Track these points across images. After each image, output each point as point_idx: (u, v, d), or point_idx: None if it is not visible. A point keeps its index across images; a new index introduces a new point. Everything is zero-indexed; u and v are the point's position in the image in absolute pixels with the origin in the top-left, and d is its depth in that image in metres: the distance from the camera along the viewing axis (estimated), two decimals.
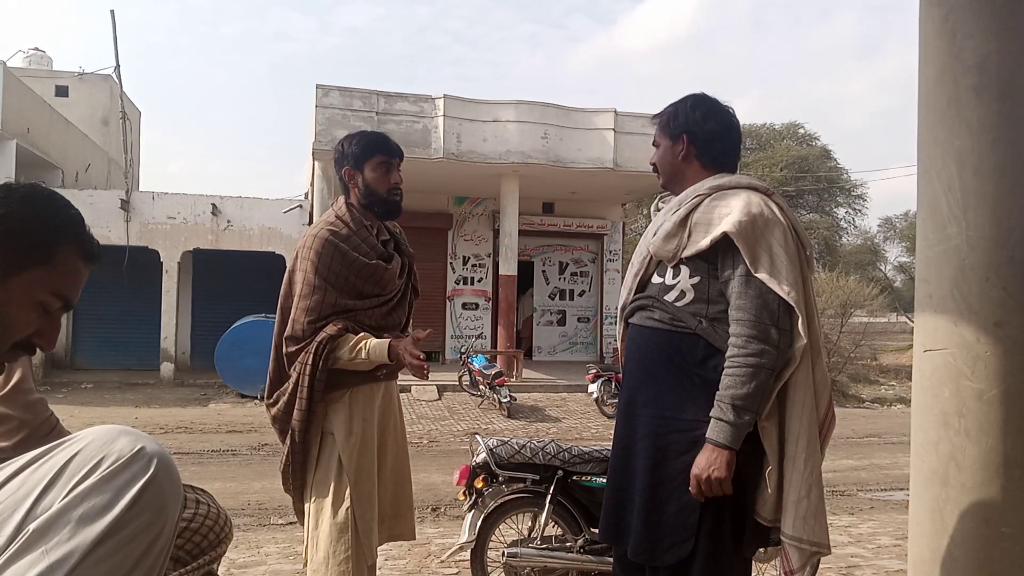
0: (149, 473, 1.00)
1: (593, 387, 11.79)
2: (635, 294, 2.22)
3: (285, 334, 2.53)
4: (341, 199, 2.68)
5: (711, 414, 1.97)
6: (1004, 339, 2.04)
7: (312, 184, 14.76)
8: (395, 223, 2.78)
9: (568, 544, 3.39)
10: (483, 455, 3.44)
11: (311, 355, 2.44)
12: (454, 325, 17.08)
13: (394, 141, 2.71)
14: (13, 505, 0.97)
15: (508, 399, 11.56)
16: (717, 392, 1.97)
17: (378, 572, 2.86)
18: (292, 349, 2.50)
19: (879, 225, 37.05)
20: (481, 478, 3.45)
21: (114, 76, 17.42)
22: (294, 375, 2.49)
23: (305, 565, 2.55)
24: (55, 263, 1.18)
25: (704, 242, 2.03)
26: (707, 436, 1.96)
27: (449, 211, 17.05)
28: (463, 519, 3.54)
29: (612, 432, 2.31)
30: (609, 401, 11.51)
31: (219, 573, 1.91)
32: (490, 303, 17.11)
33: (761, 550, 2.27)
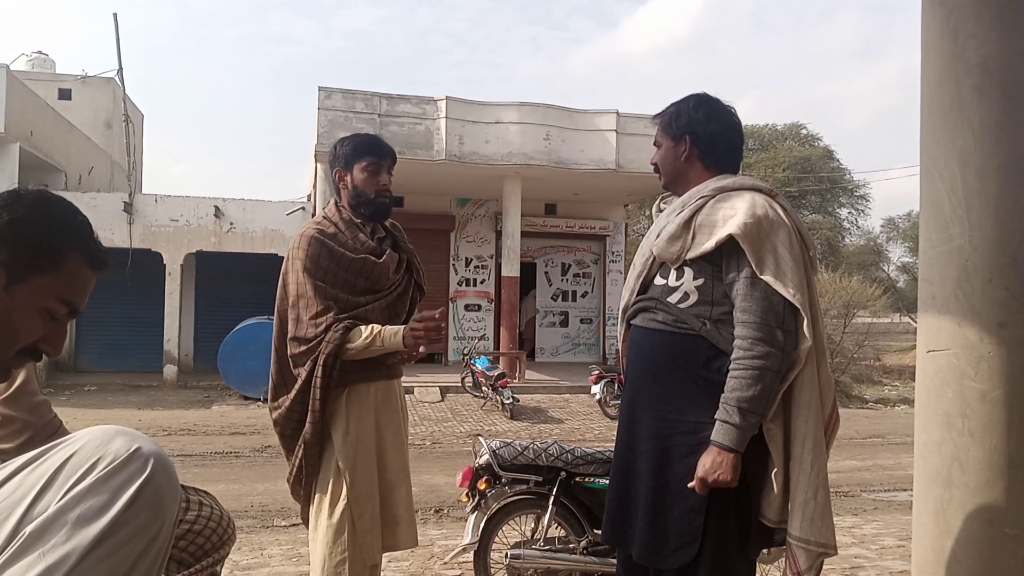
0: (146, 473, 0.99)
1: (596, 388, 11.78)
2: (637, 295, 2.21)
3: (290, 335, 2.53)
4: (332, 200, 2.71)
5: (716, 416, 1.96)
6: (1007, 340, 2.03)
7: (315, 186, 14.78)
8: (394, 221, 2.78)
9: (571, 545, 3.39)
10: (486, 456, 3.44)
11: (323, 356, 2.43)
12: (457, 327, 17.08)
13: (386, 143, 2.70)
14: (9, 507, 0.97)
15: (511, 400, 11.56)
16: (722, 394, 1.96)
17: (382, 574, 2.84)
18: (299, 350, 2.50)
19: (882, 225, 36.98)
20: (484, 480, 3.44)
21: (117, 79, 17.49)
22: (303, 376, 2.48)
23: None
24: (62, 270, 1.18)
25: (709, 244, 2.03)
26: (712, 438, 1.95)
27: (451, 213, 17.06)
28: (466, 521, 3.54)
29: (615, 433, 2.30)
30: (612, 402, 11.51)
31: (222, 575, 1.91)
32: (493, 304, 17.11)
33: (765, 551, 2.27)
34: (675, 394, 2.07)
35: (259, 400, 12.75)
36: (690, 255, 2.06)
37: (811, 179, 31.26)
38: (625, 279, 2.40)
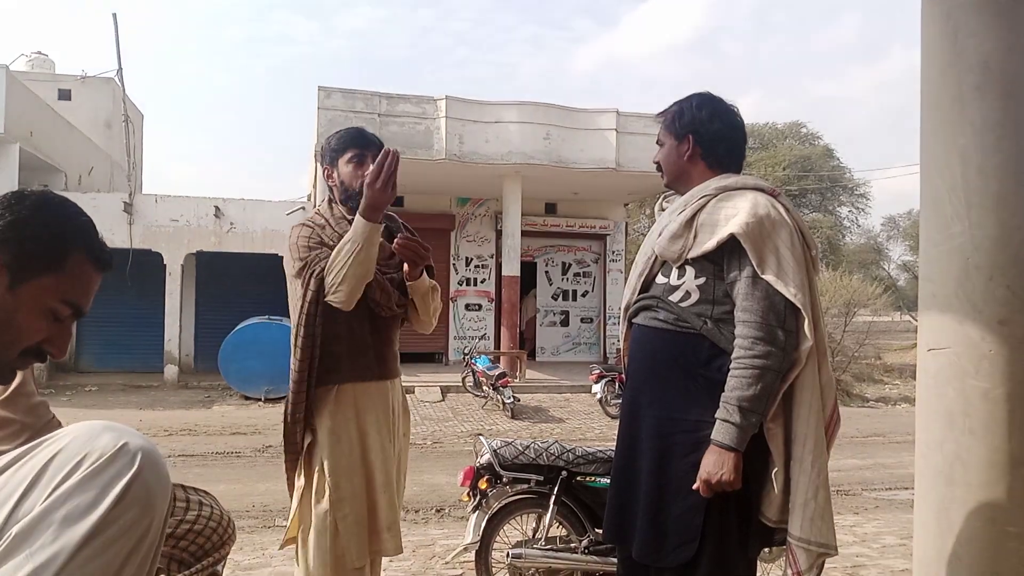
0: (134, 469, 0.98)
1: (597, 387, 11.78)
2: (639, 294, 2.22)
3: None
4: (326, 198, 2.69)
5: (717, 416, 1.96)
6: (1009, 338, 2.03)
7: (314, 186, 14.79)
8: (390, 212, 2.65)
9: (572, 545, 3.39)
10: (487, 456, 3.44)
11: (307, 305, 2.40)
12: (457, 326, 17.08)
13: (371, 133, 2.65)
14: None
15: (512, 400, 11.55)
16: (723, 393, 1.96)
17: (383, 573, 2.83)
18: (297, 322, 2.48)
19: (882, 224, 37.03)
20: (485, 479, 3.44)
21: (116, 79, 17.49)
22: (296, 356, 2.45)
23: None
24: (65, 270, 1.17)
25: (710, 243, 2.03)
26: (712, 438, 1.95)
27: (451, 212, 17.06)
28: (467, 520, 3.54)
29: (616, 432, 2.30)
30: (613, 401, 11.50)
31: (223, 575, 1.91)
32: (493, 304, 17.11)
33: (766, 550, 2.27)
34: (676, 393, 2.07)
35: (260, 400, 12.75)
36: (692, 254, 2.06)
37: (811, 178, 31.26)
38: (625, 278, 2.40)
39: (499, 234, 16.40)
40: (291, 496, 2.59)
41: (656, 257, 2.17)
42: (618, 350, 17.10)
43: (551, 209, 17.88)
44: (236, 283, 16.38)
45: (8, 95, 13.20)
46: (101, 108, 20.70)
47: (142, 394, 13.71)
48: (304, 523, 2.48)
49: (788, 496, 1.99)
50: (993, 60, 2.06)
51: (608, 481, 2.93)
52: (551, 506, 3.37)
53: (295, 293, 2.49)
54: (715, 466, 1.92)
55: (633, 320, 2.23)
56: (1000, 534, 2.03)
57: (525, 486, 3.45)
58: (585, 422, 11.54)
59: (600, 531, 3.30)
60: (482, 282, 17.35)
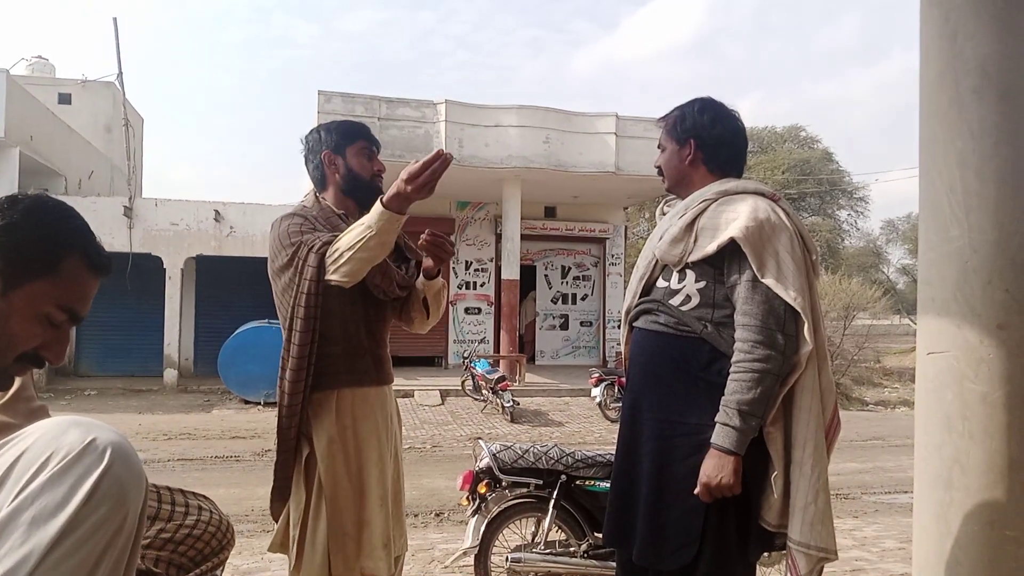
0: (103, 464, 0.95)
1: (596, 391, 11.77)
2: (639, 298, 2.22)
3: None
4: (310, 193, 2.51)
5: (716, 419, 1.96)
6: (1007, 341, 2.03)
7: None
8: None
9: (572, 549, 3.38)
10: (486, 460, 3.44)
11: (307, 282, 2.18)
12: (457, 330, 17.08)
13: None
14: None
15: (511, 403, 11.55)
16: (723, 397, 1.96)
17: None
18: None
19: (881, 227, 37.01)
20: (484, 483, 3.44)
21: (117, 83, 17.49)
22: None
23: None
24: (60, 275, 1.15)
25: (711, 247, 2.03)
26: (712, 441, 1.95)
27: (451, 216, 17.06)
28: (466, 524, 3.54)
29: (615, 436, 2.30)
30: (612, 405, 11.50)
31: None
32: (492, 307, 17.11)
33: (765, 554, 2.26)
34: (676, 396, 2.07)
35: (259, 404, 12.74)
36: (692, 258, 2.07)
37: (810, 181, 31.29)
38: (625, 282, 2.40)
39: (498, 238, 16.42)
40: (273, 507, 2.45)
41: (657, 261, 2.17)
42: (618, 354, 17.10)
43: (550, 213, 17.89)
44: (236, 287, 16.37)
45: (8, 99, 13.22)
46: (101, 112, 20.75)
47: (141, 398, 13.70)
48: (298, 537, 2.37)
49: (788, 500, 1.99)
50: (991, 63, 2.06)
51: (608, 485, 2.92)
52: (550, 510, 3.36)
53: (287, 284, 2.30)
54: (715, 470, 1.92)
55: (633, 324, 2.24)
56: (999, 538, 2.03)
57: (524, 490, 3.44)
58: (584, 426, 11.53)
59: (600, 535, 3.30)
60: (481, 286, 17.35)
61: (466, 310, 17.24)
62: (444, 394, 13.11)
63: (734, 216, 2.03)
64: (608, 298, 18.21)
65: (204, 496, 1.89)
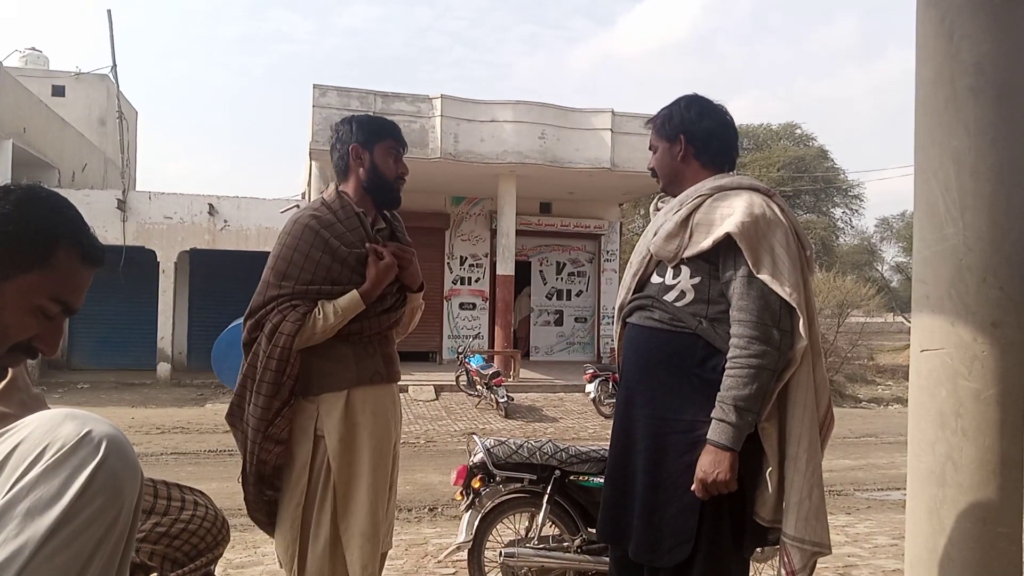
0: (99, 456, 0.95)
1: (590, 387, 11.79)
2: (634, 294, 2.22)
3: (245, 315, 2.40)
4: (332, 186, 2.53)
5: (712, 415, 1.97)
6: (1001, 339, 2.04)
7: (309, 184, 14.77)
8: (394, 212, 2.62)
9: (565, 544, 3.39)
10: (480, 455, 3.44)
11: (276, 350, 2.26)
12: (451, 325, 17.07)
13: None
14: None
15: (505, 399, 11.55)
16: (718, 393, 1.97)
17: None
18: (245, 336, 2.37)
19: (876, 225, 37.13)
20: (478, 478, 3.44)
21: (111, 76, 17.41)
22: (249, 364, 2.32)
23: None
24: (52, 266, 1.14)
25: (706, 243, 2.03)
26: (708, 437, 1.95)
27: (446, 211, 17.04)
28: (460, 519, 3.54)
29: (609, 432, 2.30)
30: (606, 401, 11.52)
31: (216, 574, 1.91)
32: (487, 303, 17.10)
33: (759, 550, 2.27)
34: (671, 392, 2.08)
35: None
36: (687, 253, 2.07)
37: (806, 179, 31.32)
38: (620, 278, 2.40)
39: (494, 233, 16.40)
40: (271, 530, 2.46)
41: (651, 256, 2.17)
42: (612, 349, 17.12)
43: (546, 208, 17.88)
44: (229, 281, 16.30)
45: (1, 91, 13.16)
46: (95, 105, 20.64)
47: (135, 392, 13.67)
48: (302, 537, 2.35)
49: (782, 495, 2.00)
50: (987, 62, 2.07)
51: (601, 480, 2.93)
52: (544, 505, 3.37)
53: (273, 285, 2.38)
54: (711, 466, 1.93)
55: (627, 319, 2.23)
56: (991, 534, 2.04)
57: (518, 485, 3.45)
58: (579, 421, 11.55)
59: (593, 530, 3.31)
60: (476, 281, 17.34)
61: (461, 305, 17.23)
62: (438, 389, 13.11)
63: (729, 211, 2.03)
64: (603, 294, 18.23)
65: (200, 492, 1.90)
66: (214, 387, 13.73)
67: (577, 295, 18.50)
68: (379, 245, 2.42)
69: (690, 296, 2.07)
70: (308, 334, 2.30)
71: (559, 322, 18.40)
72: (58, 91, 19.94)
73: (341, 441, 2.33)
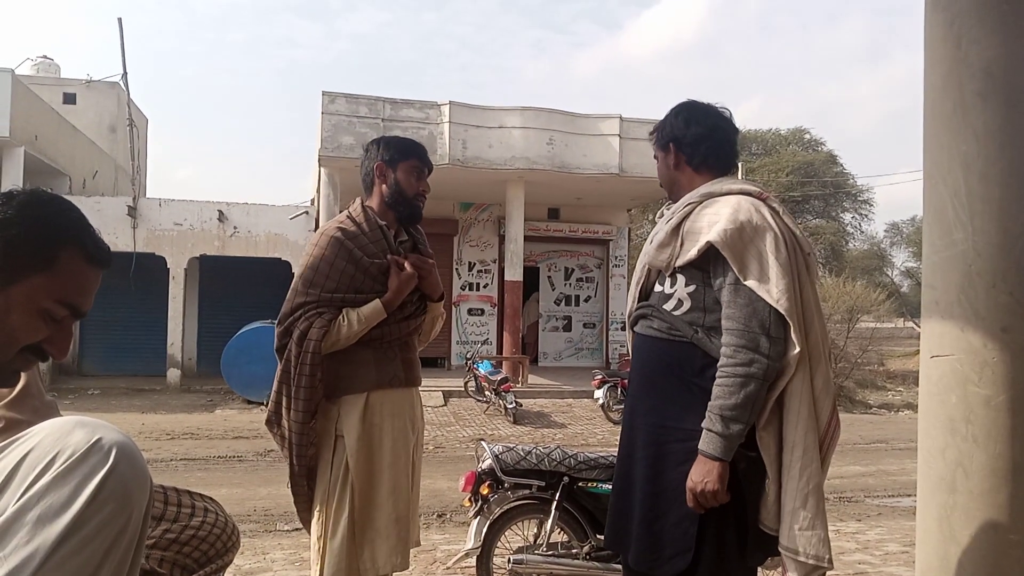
0: (108, 464, 0.96)
1: (599, 393, 11.76)
2: (639, 302, 2.22)
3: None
4: (358, 200, 2.67)
5: (703, 425, 1.95)
6: (1011, 344, 2.03)
7: (318, 190, 14.80)
8: (419, 227, 2.78)
9: (574, 551, 3.38)
10: (489, 461, 3.44)
11: (307, 355, 2.42)
12: (460, 331, 17.08)
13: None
14: None
15: (514, 405, 11.55)
16: (709, 403, 1.96)
17: None
18: (277, 342, 2.51)
19: (886, 230, 36.99)
20: (487, 484, 3.44)
21: (121, 84, 17.51)
22: (283, 370, 2.47)
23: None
24: (57, 269, 1.14)
25: (692, 252, 2.03)
26: (699, 447, 1.94)
27: (455, 217, 17.08)
28: (469, 525, 3.54)
29: (618, 438, 2.30)
30: (615, 407, 11.49)
31: None
32: (496, 309, 17.12)
33: (769, 559, 2.25)
34: (671, 401, 2.07)
35: (262, 404, 12.73)
36: (679, 262, 2.07)
37: (815, 184, 31.22)
38: (628, 284, 2.41)
39: (502, 239, 16.42)
40: (309, 528, 2.57)
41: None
42: (621, 355, 17.10)
43: (554, 214, 17.90)
44: (239, 287, 16.40)
45: (13, 99, 13.25)
46: (106, 112, 20.77)
47: (145, 398, 13.72)
48: (319, 529, 2.48)
49: (781, 504, 1.99)
50: (996, 67, 2.06)
51: (610, 487, 2.92)
52: (553, 512, 3.37)
53: (292, 293, 2.53)
54: (700, 476, 1.91)
55: (634, 328, 2.25)
56: (1002, 542, 2.03)
57: (527, 492, 3.45)
58: (587, 428, 11.53)
59: (602, 537, 3.30)
60: (485, 287, 17.36)
61: (469, 311, 17.25)
62: (447, 395, 13.11)
63: (716, 219, 2.02)
64: (611, 300, 18.21)
65: (210, 498, 1.90)
66: (224, 393, 13.76)
67: (585, 301, 18.49)
68: (400, 257, 2.56)
69: (687, 305, 2.06)
70: (333, 339, 2.44)
71: (567, 328, 18.39)
72: (69, 99, 20.09)
73: (359, 440, 2.46)
